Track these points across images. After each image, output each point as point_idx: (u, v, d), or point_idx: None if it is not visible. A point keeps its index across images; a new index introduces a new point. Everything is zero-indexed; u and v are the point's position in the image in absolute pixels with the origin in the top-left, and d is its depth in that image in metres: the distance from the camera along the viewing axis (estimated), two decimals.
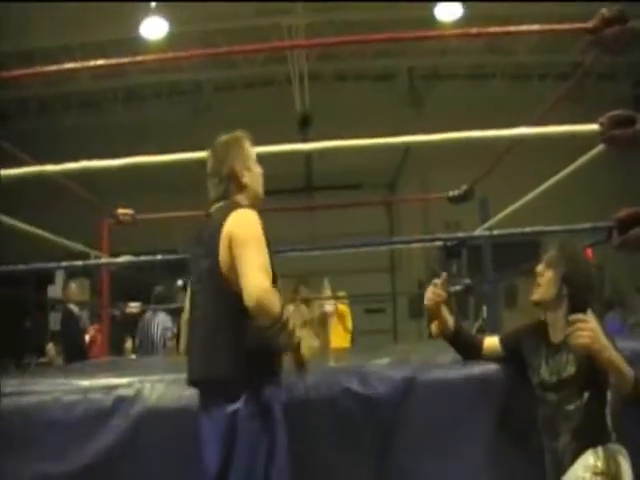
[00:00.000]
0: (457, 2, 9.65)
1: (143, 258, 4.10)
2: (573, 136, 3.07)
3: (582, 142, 3.07)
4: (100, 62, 3.81)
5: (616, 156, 3.27)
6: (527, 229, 3.53)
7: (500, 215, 4.68)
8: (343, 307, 6.98)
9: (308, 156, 10.13)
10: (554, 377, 2.32)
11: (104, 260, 5.05)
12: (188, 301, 2.50)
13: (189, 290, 2.51)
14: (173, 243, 6.45)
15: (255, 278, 2.10)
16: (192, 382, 2.32)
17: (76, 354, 6.15)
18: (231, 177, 2.39)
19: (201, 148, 2.88)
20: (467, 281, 6.08)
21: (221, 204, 2.37)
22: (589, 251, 3.78)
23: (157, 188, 9.43)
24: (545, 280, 2.39)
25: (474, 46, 11.18)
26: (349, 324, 7.02)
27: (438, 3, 9.75)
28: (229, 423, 2.14)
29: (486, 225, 4.95)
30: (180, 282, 6.01)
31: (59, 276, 9.15)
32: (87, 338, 6.66)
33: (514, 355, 2.51)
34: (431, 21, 9.70)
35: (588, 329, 2.01)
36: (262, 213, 2.34)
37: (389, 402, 2.53)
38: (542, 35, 9.47)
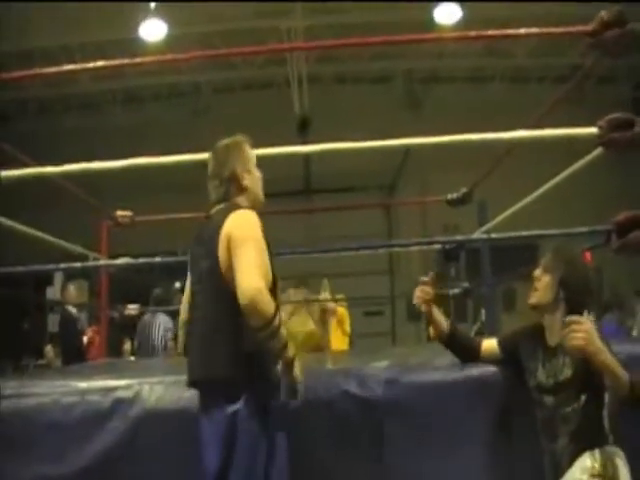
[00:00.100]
0: (456, 2, 9.66)
1: (142, 260, 4.10)
2: (572, 139, 3.07)
3: (581, 145, 3.07)
4: (100, 64, 3.82)
5: (615, 159, 3.27)
6: (526, 232, 3.52)
7: (499, 218, 4.68)
8: (342, 310, 6.99)
9: (307, 158, 10.11)
10: (551, 380, 2.32)
11: (103, 262, 5.05)
12: (184, 302, 2.51)
13: (185, 292, 2.52)
14: (172, 245, 6.43)
15: (250, 277, 2.11)
16: (192, 382, 2.32)
17: (74, 356, 6.15)
18: (232, 179, 2.40)
19: (200, 150, 2.89)
20: (465, 284, 6.09)
21: (221, 206, 2.38)
22: (588, 254, 3.78)
23: (157, 189, 9.43)
24: (542, 284, 2.40)
25: (473, 49, 11.19)
26: (347, 327, 7.03)
27: (437, 5, 9.77)
28: (229, 424, 2.14)
29: (484, 228, 4.94)
30: (178, 284, 6.00)
31: (58, 278, 9.13)
32: (85, 340, 6.67)
33: (512, 358, 2.52)
34: (430, 24, 9.72)
35: (582, 331, 2.01)
36: (261, 215, 2.34)
37: (387, 404, 2.54)
38: (541, 38, 9.49)
